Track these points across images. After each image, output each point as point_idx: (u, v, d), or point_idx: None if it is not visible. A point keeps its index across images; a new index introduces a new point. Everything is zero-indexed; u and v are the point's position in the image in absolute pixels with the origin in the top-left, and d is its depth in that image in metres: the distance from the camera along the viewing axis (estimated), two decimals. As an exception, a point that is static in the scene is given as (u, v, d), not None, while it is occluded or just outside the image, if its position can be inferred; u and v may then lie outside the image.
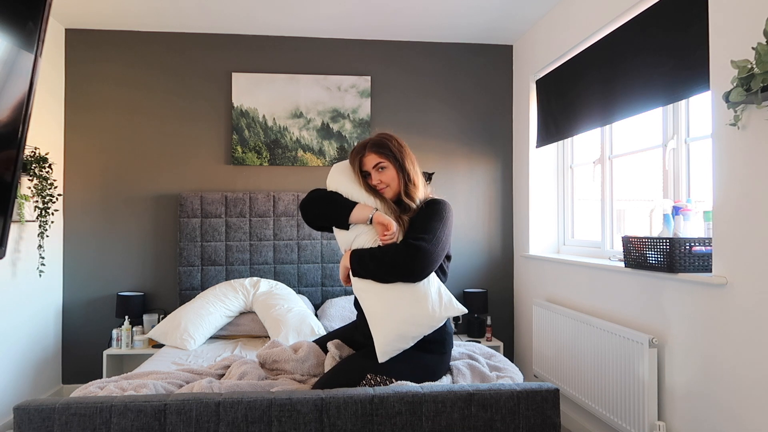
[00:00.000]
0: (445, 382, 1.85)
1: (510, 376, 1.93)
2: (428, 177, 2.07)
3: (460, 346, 2.25)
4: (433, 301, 1.75)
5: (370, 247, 1.80)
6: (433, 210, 1.84)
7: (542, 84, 3.54)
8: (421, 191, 1.90)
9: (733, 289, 1.88)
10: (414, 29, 3.68)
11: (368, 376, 1.72)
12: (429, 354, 1.83)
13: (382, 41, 3.87)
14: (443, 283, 1.87)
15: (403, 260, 1.71)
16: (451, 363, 1.98)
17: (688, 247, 2.09)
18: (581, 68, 3.03)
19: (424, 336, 1.78)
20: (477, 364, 1.97)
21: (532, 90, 3.66)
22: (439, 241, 1.77)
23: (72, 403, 1.48)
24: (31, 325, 3.27)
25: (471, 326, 3.69)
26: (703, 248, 2.08)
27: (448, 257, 1.92)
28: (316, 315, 3.35)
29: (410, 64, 3.89)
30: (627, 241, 2.40)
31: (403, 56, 3.89)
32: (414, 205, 1.86)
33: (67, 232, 3.62)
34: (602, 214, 3.04)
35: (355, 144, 3.80)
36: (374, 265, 1.74)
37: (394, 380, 1.73)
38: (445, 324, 1.86)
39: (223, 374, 2.00)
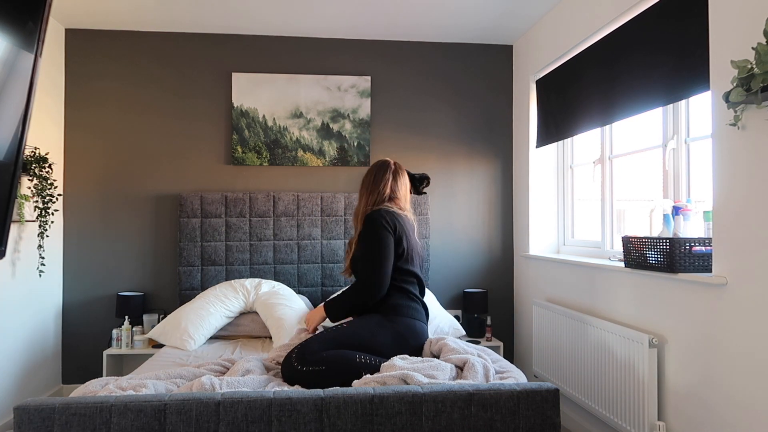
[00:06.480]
0: (447, 371, 1.83)
1: (513, 377, 1.93)
2: (419, 181, 2.22)
3: (469, 345, 2.24)
4: None
5: (332, 298, 2.26)
6: (365, 233, 2.22)
7: (542, 84, 3.54)
8: (362, 209, 2.32)
9: (733, 289, 1.88)
10: (414, 29, 3.68)
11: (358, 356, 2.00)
12: (401, 317, 2.18)
13: (382, 41, 3.87)
14: (425, 286, 2.34)
15: (361, 299, 2.18)
16: (467, 356, 1.97)
17: (688, 247, 2.09)
18: (581, 68, 3.03)
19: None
20: (490, 367, 1.96)
21: (532, 90, 3.66)
22: (377, 267, 2.15)
23: (72, 403, 1.48)
24: (31, 325, 3.27)
25: (471, 326, 3.69)
26: (703, 248, 2.08)
27: (413, 264, 2.28)
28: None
29: (410, 64, 3.89)
30: (627, 241, 2.40)
31: (403, 56, 3.89)
32: (356, 224, 2.34)
33: (67, 232, 3.62)
34: (602, 214, 3.04)
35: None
36: (345, 311, 2.23)
37: (380, 361, 1.99)
38: (392, 295, 2.21)
39: (224, 371, 2.00)
